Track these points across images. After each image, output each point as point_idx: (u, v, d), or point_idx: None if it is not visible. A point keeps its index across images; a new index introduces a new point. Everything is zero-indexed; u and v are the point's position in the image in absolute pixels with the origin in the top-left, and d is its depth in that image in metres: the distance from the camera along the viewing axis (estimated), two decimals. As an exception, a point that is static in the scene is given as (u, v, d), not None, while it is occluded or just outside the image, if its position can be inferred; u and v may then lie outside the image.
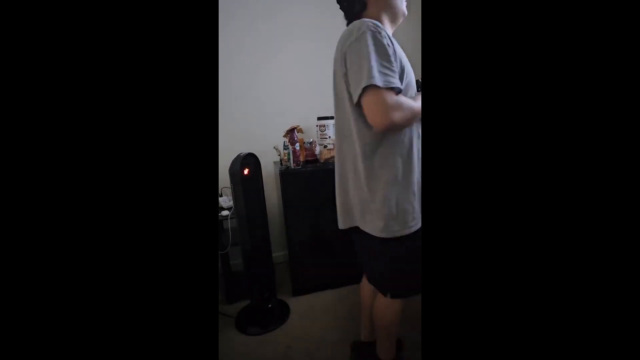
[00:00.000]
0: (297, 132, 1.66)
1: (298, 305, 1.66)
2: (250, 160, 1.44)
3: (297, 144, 1.64)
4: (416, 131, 0.88)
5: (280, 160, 1.81)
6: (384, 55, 0.74)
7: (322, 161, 1.72)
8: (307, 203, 1.64)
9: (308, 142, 1.79)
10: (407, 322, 1.43)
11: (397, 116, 0.75)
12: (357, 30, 0.75)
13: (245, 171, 1.42)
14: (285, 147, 1.69)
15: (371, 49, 0.73)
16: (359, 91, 0.75)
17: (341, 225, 1.00)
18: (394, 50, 0.78)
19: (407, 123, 0.81)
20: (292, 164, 1.65)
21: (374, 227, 0.88)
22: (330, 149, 1.72)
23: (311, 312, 1.60)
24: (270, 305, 1.53)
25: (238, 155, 1.46)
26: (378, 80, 0.72)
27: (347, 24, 0.89)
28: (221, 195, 1.80)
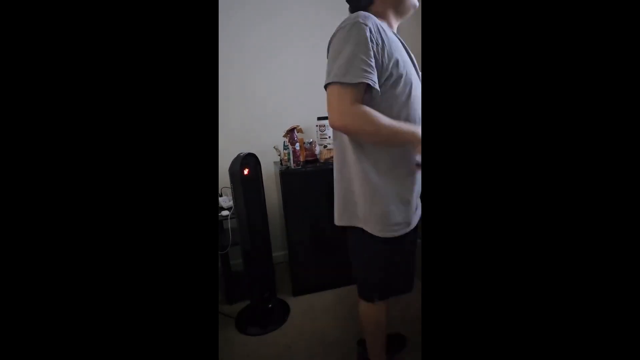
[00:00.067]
0: (297, 132, 1.66)
1: (298, 305, 1.66)
2: (250, 160, 1.44)
3: (297, 144, 1.64)
4: None
5: (280, 160, 1.81)
6: (362, 49, 0.70)
7: (322, 161, 1.72)
8: (307, 203, 1.64)
9: (308, 142, 1.79)
10: (407, 322, 1.43)
11: (346, 121, 0.72)
12: (347, 20, 0.74)
13: (245, 171, 1.42)
14: (285, 147, 1.69)
15: (349, 42, 0.71)
16: (326, 81, 0.74)
17: (337, 221, 0.99)
18: (385, 47, 0.74)
19: (367, 135, 0.76)
20: (292, 164, 1.65)
21: (356, 221, 0.88)
22: (330, 149, 1.72)
23: (311, 312, 1.60)
24: (270, 305, 1.53)
25: (238, 155, 1.46)
26: (343, 76, 0.70)
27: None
28: (221, 195, 1.80)
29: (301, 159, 1.67)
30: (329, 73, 0.74)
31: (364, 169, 0.83)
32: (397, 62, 0.76)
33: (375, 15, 0.77)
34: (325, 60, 0.79)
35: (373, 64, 0.72)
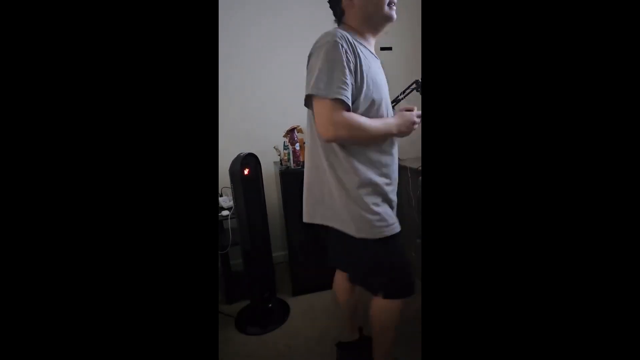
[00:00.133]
0: (297, 132, 1.66)
1: (298, 305, 1.66)
2: (250, 160, 1.44)
3: (297, 144, 1.64)
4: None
5: (280, 160, 1.81)
6: (338, 66, 0.76)
7: (322, 161, 1.72)
8: (307, 203, 1.64)
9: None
10: (407, 322, 1.43)
11: (343, 133, 0.78)
12: (323, 38, 0.80)
13: (246, 171, 1.42)
14: (285, 147, 1.69)
15: (326, 58, 0.77)
16: (304, 96, 0.82)
17: (306, 219, 1.01)
18: (358, 64, 0.79)
19: (357, 140, 0.83)
20: (292, 164, 1.65)
21: (352, 229, 0.88)
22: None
23: (311, 312, 1.60)
24: (270, 305, 1.53)
25: (238, 155, 1.46)
26: (322, 91, 0.76)
27: (336, 23, 0.93)
28: (221, 195, 1.80)
29: (301, 159, 1.67)
30: (308, 86, 0.80)
31: (338, 176, 0.86)
32: (368, 78, 0.82)
33: (349, 31, 0.82)
34: None
35: (348, 81, 0.77)
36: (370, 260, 0.92)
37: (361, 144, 0.85)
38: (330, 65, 0.76)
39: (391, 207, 0.92)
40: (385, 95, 0.89)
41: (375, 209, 0.85)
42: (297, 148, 1.63)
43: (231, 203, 1.65)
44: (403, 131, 0.89)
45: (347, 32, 0.81)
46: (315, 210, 0.97)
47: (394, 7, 0.87)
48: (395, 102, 1.13)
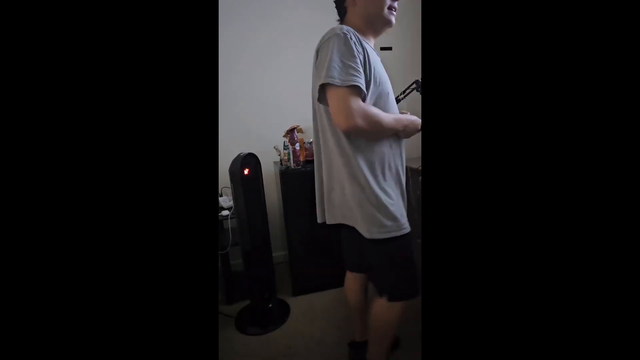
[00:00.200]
0: (297, 132, 1.66)
1: (298, 305, 1.66)
2: (250, 160, 1.44)
3: (297, 144, 1.64)
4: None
5: (280, 160, 1.81)
6: (348, 55, 0.76)
7: (322, 161, 1.72)
8: (307, 203, 1.64)
9: (308, 142, 1.79)
10: (407, 322, 1.43)
11: (361, 122, 0.76)
12: (331, 32, 0.79)
13: (246, 171, 1.42)
14: (285, 147, 1.69)
15: (336, 49, 0.76)
16: (317, 87, 0.79)
17: (320, 219, 1.01)
18: (366, 57, 0.80)
19: (372, 133, 0.82)
20: (292, 164, 1.65)
21: (363, 229, 0.87)
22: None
23: (311, 312, 1.60)
24: (270, 305, 1.53)
25: (238, 155, 1.46)
26: (336, 80, 0.74)
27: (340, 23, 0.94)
28: (221, 195, 1.80)
29: (301, 158, 1.67)
30: (319, 78, 0.78)
31: (356, 175, 0.85)
32: (374, 77, 0.82)
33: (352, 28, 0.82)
34: None
35: (360, 69, 0.77)
36: (379, 260, 0.92)
37: (373, 138, 0.84)
38: (341, 54, 0.76)
39: (403, 205, 0.92)
40: (391, 92, 0.89)
41: (390, 207, 0.85)
42: (297, 148, 1.63)
43: (231, 203, 1.65)
44: (410, 130, 0.90)
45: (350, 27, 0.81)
46: (329, 210, 0.97)
47: (394, 12, 0.88)
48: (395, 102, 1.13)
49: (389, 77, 0.91)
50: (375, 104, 0.83)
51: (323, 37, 0.81)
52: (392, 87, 0.90)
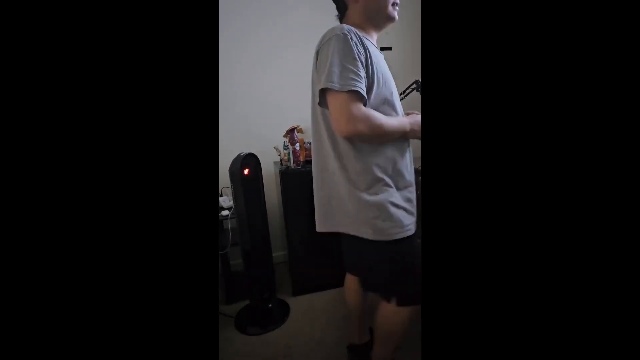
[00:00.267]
0: (297, 132, 1.66)
1: (298, 305, 1.66)
2: (250, 160, 1.45)
3: (297, 144, 1.64)
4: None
5: (280, 160, 1.81)
6: (349, 59, 0.74)
7: (322, 161, 1.72)
8: (307, 203, 1.63)
9: (308, 142, 1.78)
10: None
11: (362, 127, 0.74)
12: (331, 32, 0.77)
13: (246, 171, 1.42)
14: (285, 147, 1.69)
15: (336, 51, 0.74)
16: (317, 92, 0.78)
17: (319, 228, 0.96)
18: (368, 57, 0.77)
19: (374, 137, 0.79)
20: (292, 164, 1.65)
21: (363, 231, 0.85)
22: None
23: (311, 312, 1.60)
24: (270, 305, 1.53)
25: (238, 155, 1.46)
26: (336, 84, 0.73)
27: (339, 20, 0.91)
28: (221, 195, 1.80)
29: (301, 159, 1.67)
30: (319, 82, 0.76)
31: (354, 178, 0.83)
32: (375, 76, 0.79)
33: (353, 26, 0.79)
34: None
35: (361, 73, 0.75)
36: (383, 265, 0.89)
37: (374, 142, 0.82)
38: (341, 57, 0.73)
39: (408, 208, 0.87)
40: (395, 90, 0.86)
41: (391, 209, 0.82)
42: (297, 148, 1.63)
43: (231, 203, 1.65)
44: (416, 131, 0.87)
45: (351, 27, 0.78)
46: (327, 217, 0.93)
47: (397, 8, 0.85)
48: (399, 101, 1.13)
49: None
50: (379, 105, 0.81)
51: (323, 38, 0.79)
52: None
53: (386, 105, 0.82)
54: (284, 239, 1.80)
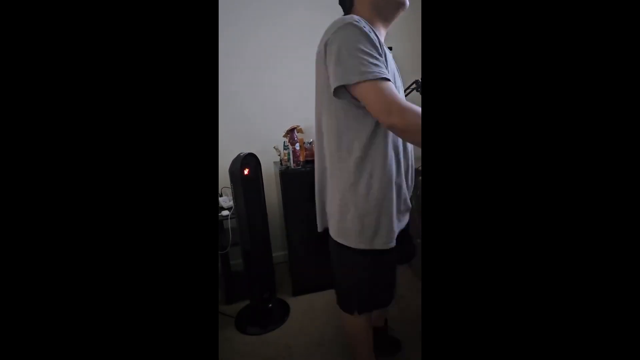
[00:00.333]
0: (297, 132, 1.67)
1: (298, 305, 1.66)
2: (250, 160, 1.45)
3: (297, 144, 1.64)
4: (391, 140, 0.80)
5: (280, 160, 1.81)
6: (369, 45, 0.69)
7: (322, 161, 1.72)
8: (307, 203, 1.63)
9: (308, 142, 1.79)
10: (407, 322, 1.43)
11: (410, 118, 0.66)
12: (341, 21, 0.71)
13: (246, 171, 1.42)
14: (285, 147, 1.69)
15: (356, 39, 0.68)
16: (345, 81, 0.69)
17: (319, 227, 0.96)
18: (381, 49, 0.72)
19: (411, 121, 0.67)
20: (292, 164, 1.65)
21: (332, 231, 0.85)
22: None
23: (311, 312, 1.60)
24: (270, 305, 1.53)
25: (238, 155, 1.46)
26: (364, 75, 0.67)
27: None
28: (221, 195, 1.80)
29: (301, 158, 1.67)
30: (337, 75, 0.70)
31: (339, 180, 0.81)
32: (389, 66, 0.75)
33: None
34: None
35: (382, 59, 0.71)
36: (339, 266, 0.89)
37: (410, 138, 0.73)
38: (358, 45, 0.68)
39: (395, 222, 0.84)
40: (401, 89, 0.84)
41: (381, 219, 0.79)
42: (297, 148, 1.63)
43: (231, 203, 1.65)
44: None
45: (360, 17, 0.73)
46: (322, 217, 0.93)
47: None
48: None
49: None
50: None
51: (330, 28, 0.73)
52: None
53: None
54: (284, 239, 1.80)
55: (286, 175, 1.61)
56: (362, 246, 0.82)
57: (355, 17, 0.71)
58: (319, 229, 0.97)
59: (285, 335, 1.45)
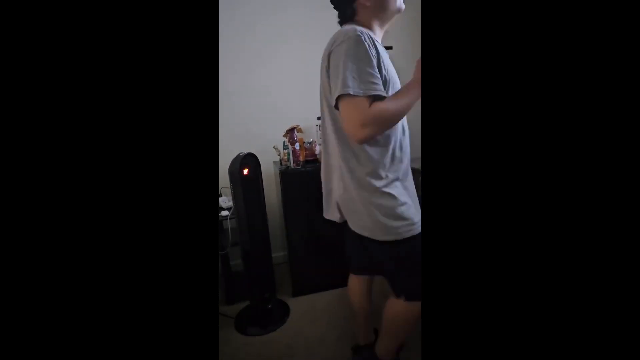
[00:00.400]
0: (297, 132, 1.66)
1: (298, 305, 1.66)
2: (250, 160, 1.44)
3: (297, 144, 1.64)
4: (400, 129, 0.87)
5: (280, 160, 1.81)
6: (366, 61, 0.74)
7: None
8: (307, 203, 1.64)
9: (308, 142, 1.78)
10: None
11: (371, 130, 0.75)
12: (344, 34, 0.76)
13: (245, 171, 1.42)
14: (285, 147, 1.69)
15: (353, 54, 0.74)
16: (334, 96, 0.77)
17: (327, 215, 1.02)
18: (380, 60, 0.78)
19: (386, 129, 0.80)
20: (292, 164, 1.65)
21: (371, 232, 0.86)
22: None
23: (311, 312, 1.60)
24: (270, 306, 1.53)
25: (238, 155, 1.45)
26: (352, 89, 0.73)
27: (340, 23, 0.91)
28: (221, 195, 1.80)
29: (301, 158, 1.67)
30: (337, 87, 0.76)
31: (361, 178, 0.84)
32: (387, 79, 0.80)
33: (362, 27, 0.80)
34: None
35: (378, 75, 0.75)
36: (393, 262, 0.91)
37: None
38: (357, 61, 0.73)
39: (415, 204, 0.89)
40: (397, 80, 0.88)
41: (397, 209, 0.83)
42: (297, 148, 1.63)
43: (231, 203, 1.65)
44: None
45: (362, 28, 0.78)
46: (329, 207, 0.98)
47: None
48: None
49: None
50: None
51: (334, 40, 0.78)
52: None
53: None
54: (284, 239, 1.79)
55: (286, 175, 1.61)
56: (411, 234, 0.85)
57: (359, 30, 0.76)
58: (326, 216, 1.02)
59: (286, 335, 1.45)
